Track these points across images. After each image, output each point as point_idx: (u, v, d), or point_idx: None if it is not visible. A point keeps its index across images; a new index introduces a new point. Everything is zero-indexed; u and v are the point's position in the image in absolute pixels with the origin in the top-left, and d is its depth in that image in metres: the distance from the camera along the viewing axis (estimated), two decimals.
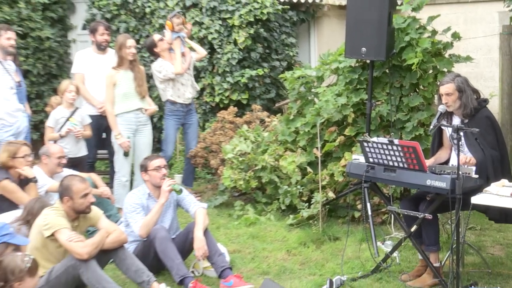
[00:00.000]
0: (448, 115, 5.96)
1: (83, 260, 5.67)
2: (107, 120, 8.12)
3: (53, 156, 7.23)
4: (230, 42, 10.12)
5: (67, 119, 8.07)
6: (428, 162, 5.90)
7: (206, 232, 6.36)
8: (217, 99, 10.19)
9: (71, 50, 11.43)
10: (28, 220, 6.12)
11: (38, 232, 5.89)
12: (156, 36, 8.73)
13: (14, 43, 8.10)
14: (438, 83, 6.31)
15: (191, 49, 9.03)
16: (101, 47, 8.63)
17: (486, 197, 5.42)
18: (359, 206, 7.43)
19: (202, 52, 9.23)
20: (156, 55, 8.72)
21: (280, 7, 10.34)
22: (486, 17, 10.11)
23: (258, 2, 10.05)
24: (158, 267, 6.18)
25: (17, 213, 6.34)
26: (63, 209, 5.97)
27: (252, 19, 10.01)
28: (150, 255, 6.24)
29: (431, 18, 7.37)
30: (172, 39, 8.72)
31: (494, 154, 5.76)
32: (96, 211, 6.14)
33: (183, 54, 8.75)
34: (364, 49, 7.07)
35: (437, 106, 6.01)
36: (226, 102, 10.06)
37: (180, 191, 6.48)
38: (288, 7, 10.61)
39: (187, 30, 9.08)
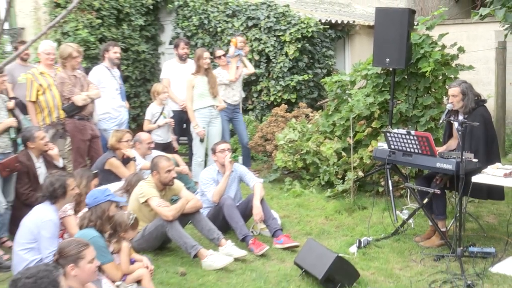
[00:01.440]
0: (455, 112, 5.95)
1: (169, 221, 5.80)
2: (187, 114, 8.25)
3: (144, 142, 7.38)
4: (282, 54, 10.14)
5: (160, 114, 8.23)
6: (440, 149, 5.95)
7: (262, 201, 6.44)
8: (271, 98, 10.22)
9: (160, 60, 11.57)
10: (128, 189, 6.28)
11: (135, 199, 6.04)
12: (218, 52, 8.82)
13: (119, 56, 8.27)
14: (447, 87, 6.28)
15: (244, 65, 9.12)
16: (182, 58, 8.75)
17: (483, 177, 5.41)
18: (382, 183, 7.41)
19: (251, 69, 9.36)
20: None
21: (321, 26, 10.33)
22: (485, 35, 10.03)
23: (304, 23, 10.07)
24: (225, 228, 6.26)
25: (120, 184, 6.49)
26: (153, 182, 6.11)
27: (299, 36, 10.02)
28: (219, 218, 6.32)
29: (441, 36, 7.36)
30: (234, 54, 8.84)
31: (480, 145, 5.81)
32: (178, 183, 6.28)
33: (237, 68, 8.85)
34: (388, 59, 7.05)
35: (446, 105, 5.98)
36: (278, 100, 10.09)
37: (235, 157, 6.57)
38: (328, 26, 10.59)
39: (245, 50, 9.20)
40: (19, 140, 6.50)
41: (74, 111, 7.02)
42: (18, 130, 6.52)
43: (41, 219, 5.09)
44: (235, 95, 8.92)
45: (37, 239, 5.06)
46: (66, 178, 5.33)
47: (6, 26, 10.86)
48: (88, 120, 7.36)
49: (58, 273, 3.03)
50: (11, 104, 6.66)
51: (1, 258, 5.80)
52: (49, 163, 6.40)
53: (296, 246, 6.05)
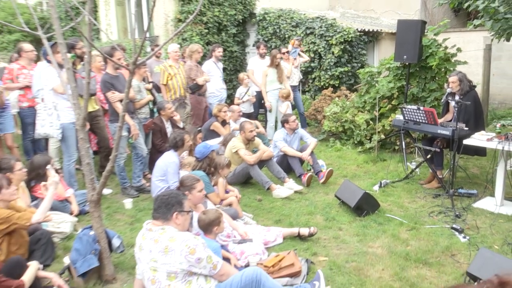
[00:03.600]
0: (452, 94, 5.76)
1: (251, 164, 5.88)
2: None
3: (235, 112, 7.45)
4: (330, 53, 9.95)
5: (245, 93, 8.28)
6: (440, 120, 5.77)
7: (312, 152, 6.44)
8: (322, 83, 10.09)
9: (246, 57, 11.57)
10: (224, 143, 6.39)
11: (229, 150, 6.15)
12: (283, 49, 8.73)
13: (222, 54, 8.31)
14: (448, 76, 6.07)
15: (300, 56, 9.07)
16: (262, 56, 8.70)
17: (472, 140, 5.27)
18: (398, 143, 7.26)
19: (306, 58, 9.34)
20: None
21: (358, 33, 10.04)
22: (476, 39, 9.75)
23: (346, 31, 9.82)
24: (287, 170, 6.30)
25: (218, 140, 6.62)
26: (241, 138, 6.18)
27: (342, 40, 9.79)
28: (284, 163, 6.40)
29: (444, 40, 7.02)
30: (292, 51, 8.93)
31: (471, 118, 5.67)
32: (257, 140, 6.36)
33: (295, 59, 8.80)
34: (405, 56, 6.86)
35: (446, 89, 5.79)
36: (326, 85, 9.96)
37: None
38: (362, 33, 10.28)
39: (300, 47, 9.18)
40: (155, 110, 6.70)
41: (196, 89, 7.31)
42: (154, 103, 6.72)
43: (168, 161, 5.29)
44: (294, 79, 8.85)
45: (165, 174, 5.26)
46: (184, 134, 5.49)
47: (147, 34, 11.10)
48: (203, 96, 7.58)
49: (183, 197, 3.15)
50: (150, 86, 6.86)
51: (145, 185, 6.07)
52: (174, 125, 6.60)
53: (331, 173, 6.22)
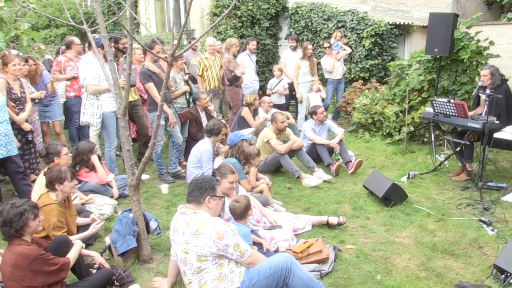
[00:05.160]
0: (483, 88, 5.57)
1: (281, 154, 5.86)
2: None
3: (266, 102, 7.44)
4: (361, 46, 9.73)
5: (276, 85, 8.23)
6: (470, 113, 5.55)
7: (341, 141, 6.39)
8: (352, 76, 9.91)
9: (279, 50, 11.50)
10: (256, 133, 6.40)
11: (261, 139, 6.14)
12: (325, 44, 8.57)
13: (255, 47, 8.26)
14: (479, 69, 5.86)
15: (343, 49, 8.85)
16: (292, 48, 8.61)
17: (503, 134, 5.09)
18: (427, 135, 7.08)
19: (349, 50, 9.05)
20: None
21: (389, 26, 9.76)
22: (509, 33, 9.27)
23: (377, 24, 9.57)
24: (317, 160, 6.25)
25: (250, 130, 6.63)
26: (272, 128, 6.16)
27: (373, 33, 9.55)
28: (313, 153, 6.36)
29: (477, 33, 6.74)
30: (334, 44, 8.70)
31: (502, 111, 5.41)
32: (288, 130, 6.33)
33: (338, 53, 8.60)
34: (436, 49, 6.62)
35: (477, 82, 5.59)
36: (357, 77, 9.77)
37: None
38: (393, 26, 9.99)
39: (343, 40, 8.95)
40: (191, 100, 6.76)
41: (234, 80, 7.33)
42: (190, 93, 6.78)
43: (202, 148, 5.34)
44: (338, 72, 8.65)
45: (200, 161, 5.32)
46: (222, 125, 5.53)
47: (184, 28, 11.19)
48: (240, 87, 7.60)
49: (217, 182, 3.17)
50: (186, 77, 6.92)
51: (180, 171, 6.16)
52: (208, 115, 6.64)
53: (360, 164, 6.14)
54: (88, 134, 5.98)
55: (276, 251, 3.82)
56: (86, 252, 3.48)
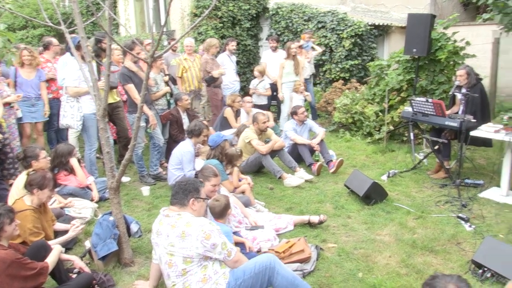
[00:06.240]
0: (459, 87, 5.68)
1: (263, 154, 5.87)
2: (276, 86, 8.23)
3: (246, 101, 7.43)
4: (341, 46, 9.82)
5: (257, 85, 8.23)
6: (447, 112, 5.67)
7: (322, 141, 6.43)
8: (332, 76, 9.97)
9: (260, 50, 11.51)
10: (237, 134, 6.39)
11: (242, 140, 6.14)
12: (295, 44, 8.61)
13: (235, 47, 8.26)
14: (456, 69, 6.00)
15: (313, 49, 8.96)
16: (273, 49, 8.63)
17: (479, 132, 5.21)
18: (406, 134, 7.19)
19: (319, 50, 9.14)
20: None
21: (368, 27, 9.87)
22: (484, 33, 9.51)
23: (357, 25, 9.67)
24: (298, 160, 6.28)
25: (231, 131, 6.62)
26: (254, 129, 6.16)
27: (353, 34, 9.64)
28: (295, 153, 6.37)
29: (454, 33, 6.90)
30: (303, 45, 8.76)
31: (478, 110, 5.55)
32: (270, 130, 6.34)
33: (308, 53, 8.67)
34: (414, 49, 6.74)
35: (454, 82, 5.71)
36: (337, 77, 9.83)
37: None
38: (373, 27, 10.11)
39: (313, 40, 9.02)
40: (172, 101, 6.71)
41: (211, 81, 7.28)
42: (171, 95, 6.74)
43: (183, 150, 5.32)
44: (306, 72, 8.70)
45: (181, 162, 5.29)
46: (203, 126, 5.50)
47: (164, 28, 11.10)
48: (220, 88, 7.56)
49: (201, 184, 3.16)
50: (166, 78, 6.87)
51: (161, 173, 6.10)
52: (190, 116, 6.60)
53: (341, 163, 6.18)
54: (67, 136, 5.88)
55: (259, 251, 3.83)
56: (65, 256, 3.42)
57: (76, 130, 5.59)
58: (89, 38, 6.93)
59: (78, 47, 4.91)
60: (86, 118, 5.50)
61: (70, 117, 5.50)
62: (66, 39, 3.81)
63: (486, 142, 5.62)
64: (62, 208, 4.58)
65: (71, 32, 3.77)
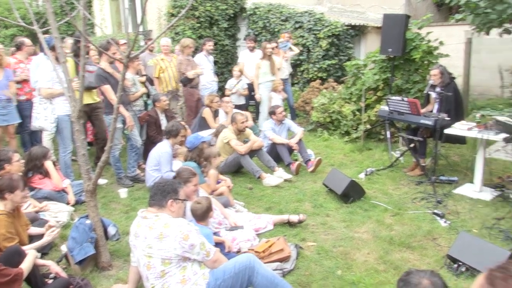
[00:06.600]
0: (434, 86, 5.80)
1: (242, 154, 5.87)
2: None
3: (225, 102, 7.42)
4: (318, 46, 9.89)
5: (235, 85, 8.23)
6: (422, 111, 5.76)
7: (300, 140, 6.48)
8: (310, 76, 10.03)
9: (237, 51, 11.49)
10: (216, 134, 6.37)
11: (221, 140, 6.13)
12: (272, 45, 8.65)
13: (212, 47, 8.24)
14: (430, 69, 6.11)
15: (291, 49, 9.03)
16: (250, 49, 8.64)
17: (453, 130, 5.32)
18: (383, 133, 7.29)
19: (296, 51, 9.20)
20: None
21: (345, 27, 9.98)
22: (457, 33, 9.73)
23: (333, 25, 9.77)
24: (277, 160, 6.30)
25: (210, 131, 6.59)
26: (232, 129, 6.15)
27: (330, 34, 9.73)
28: (273, 153, 6.39)
29: (428, 33, 7.04)
30: (283, 44, 8.79)
31: (452, 108, 5.64)
32: (248, 130, 6.35)
33: (285, 53, 8.73)
34: (390, 49, 6.85)
35: (428, 81, 5.82)
36: (315, 77, 9.90)
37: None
38: (349, 27, 10.22)
39: (291, 41, 9.08)
40: (149, 102, 6.64)
41: (187, 82, 7.22)
42: (148, 95, 6.67)
43: (161, 151, 5.27)
44: (285, 72, 8.76)
45: (159, 163, 5.24)
46: (181, 126, 5.46)
47: (141, 28, 11.01)
48: (196, 88, 7.51)
49: (179, 185, 3.13)
50: (143, 78, 6.80)
51: (139, 174, 6.04)
52: (168, 117, 6.55)
53: (319, 162, 6.23)
54: (41, 139, 5.76)
55: (239, 251, 3.82)
56: (41, 261, 3.35)
57: (50, 132, 5.48)
58: (63, 38, 6.81)
59: (52, 48, 4.81)
60: (60, 120, 5.40)
61: (44, 119, 5.39)
62: (39, 40, 3.73)
63: (460, 140, 5.75)
64: (37, 212, 4.47)
65: (45, 32, 3.69)
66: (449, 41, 8.04)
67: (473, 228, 4.36)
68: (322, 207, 4.96)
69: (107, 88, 5.59)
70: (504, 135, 4.89)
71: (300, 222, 4.46)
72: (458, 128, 5.30)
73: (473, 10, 5.74)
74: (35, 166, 4.84)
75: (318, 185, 5.67)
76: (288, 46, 8.93)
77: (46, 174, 4.91)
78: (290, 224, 4.48)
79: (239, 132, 6.19)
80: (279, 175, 5.86)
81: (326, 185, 5.41)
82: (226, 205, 4.69)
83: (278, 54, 8.66)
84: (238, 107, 8.05)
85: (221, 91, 9.77)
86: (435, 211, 4.68)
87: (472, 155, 5.56)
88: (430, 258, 3.81)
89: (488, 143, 5.25)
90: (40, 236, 3.77)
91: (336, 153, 7.14)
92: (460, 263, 3.54)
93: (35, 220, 4.22)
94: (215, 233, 3.83)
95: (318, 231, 4.38)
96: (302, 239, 4.20)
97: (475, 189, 5.27)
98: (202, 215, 3.67)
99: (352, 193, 5.04)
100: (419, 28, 6.98)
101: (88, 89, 5.86)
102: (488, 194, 5.15)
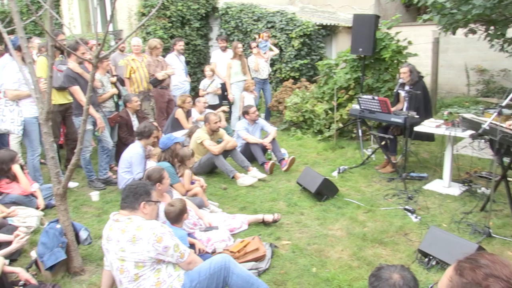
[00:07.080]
0: (403, 85, 5.92)
1: (216, 154, 5.84)
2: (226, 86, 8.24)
3: (201, 102, 7.38)
4: (290, 46, 9.97)
5: (209, 85, 8.19)
6: (392, 109, 5.85)
7: (274, 140, 6.50)
8: (283, 75, 10.11)
9: (209, 50, 11.45)
10: (189, 135, 6.32)
11: (194, 141, 6.08)
12: (253, 45, 8.66)
13: (183, 47, 8.17)
14: (399, 68, 6.22)
15: (271, 50, 9.00)
16: (222, 49, 8.62)
17: (422, 127, 5.42)
18: (354, 131, 7.40)
19: (276, 51, 9.20)
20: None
21: (316, 27, 10.09)
22: (425, 33, 9.97)
23: (305, 25, 9.87)
24: (251, 159, 6.31)
25: (183, 132, 6.54)
26: (206, 129, 6.12)
27: (302, 34, 9.83)
28: (247, 152, 6.40)
29: (397, 33, 7.17)
30: (262, 44, 8.78)
31: (421, 106, 5.78)
32: (222, 130, 6.32)
33: (265, 53, 8.73)
34: (361, 49, 6.96)
35: (398, 80, 5.93)
36: (287, 77, 9.99)
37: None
38: (321, 27, 10.34)
39: (271, 41, 9.09)
40: (120, 103, 6.53)
41: (156, 83, 7.10)
42: (119, 96, 6.55)
43: (132, 152, 5.20)
44: (264, 72, 8.76)
45: (131, 165, 5.17)
46: (153, 127, 5.40)
47: (110, 28, 10.81)
48: (166, 89, 7.41)
49: (151, 187, 3.08)
50: (114, 79, 6.68)
51: (111, 177, 5.94)
52: (140, 118, 6.46)
53: (293, 161, 6.28)
54: (8, 142, 5.58)
55: (214, 252, 3.81)
56: (9, 269, 3.24)
57: (17, 135, 5.33)
58: (29, 38, 6.61)
59: (18, 48, 4.68)
60: (27, 122, 5.26)
61: (10, 121, 5.24)
62: (4, 40, 3.62)
63: (429, 137, 5.88)
64: (4, 217, 4.32)
65: (10, 32, 3.58)
66: (418, 41, 8.24)
67: (442, 222, 4.48)
68: (296, 206, 5.00)
69: (76, 89, 5.46)
70: (470, 132, 5.03)
71: (274, 221, 4.48)
72: (427, 126, 5.42)
73: (440, 11, 5.90)
74: (2, 170, 4.69)
75: (292, 184, 5.70)
76: (268, 46, 8.95)
77: (14, 178, 4.77)
78: (265, 223, 4.50)
79: (213, 133, 6.16)
80: (253, 174, 5.87)
81: (300, 183, 5.45)
82: (201, 205, 4.66)
83: (258, 54, 8.65)
84: (212, 107, 8.02)
85: (194, 91, 9.71)
86: (406, 207, 4.78)
87: (441, 151, 5.71)
88: (402, 253, 3.89)
89: (456, 139, 5.39)
90: (8, 242, 3.66)
91: (309, 151, 7.20)
92: (431, 257, 3.63)
93: (3, 226, 4.09)
94: (189, 234, 3.80)
95: (293, 230, 4.41)
96: (277, 238, 4.22)
97: (444, 185, 5.42)
98: (176, 217, 3.64)
99: (325, 191, 5.10)
100: (389, 28, 7.12)
101: (62, 89, 5.74)
102: (456, 189, 5.30)
